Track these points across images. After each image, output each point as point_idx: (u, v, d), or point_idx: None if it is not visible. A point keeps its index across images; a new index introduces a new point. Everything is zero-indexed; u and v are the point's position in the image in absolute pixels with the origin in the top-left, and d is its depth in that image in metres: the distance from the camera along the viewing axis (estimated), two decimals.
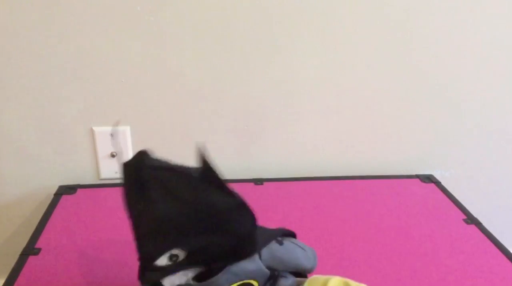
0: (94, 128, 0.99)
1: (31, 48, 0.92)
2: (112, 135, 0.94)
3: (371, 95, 1.03)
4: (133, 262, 0.74)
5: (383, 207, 0.94)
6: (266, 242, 0.57)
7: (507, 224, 1.18)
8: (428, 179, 1.07)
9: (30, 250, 0.77)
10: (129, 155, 1.02)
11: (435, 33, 0.99)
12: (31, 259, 0.75)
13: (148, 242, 0.51)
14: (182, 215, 0.50)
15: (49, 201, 0.93)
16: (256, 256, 0.56)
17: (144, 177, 0.50)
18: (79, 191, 0.97)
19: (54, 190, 0.98)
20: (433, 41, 0.99)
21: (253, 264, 0.55)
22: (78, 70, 0.94)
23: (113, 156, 1.02)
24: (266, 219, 0.87)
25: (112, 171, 1.03)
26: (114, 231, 0.83)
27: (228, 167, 1.06)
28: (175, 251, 0.51)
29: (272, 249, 0.58)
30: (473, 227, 0.88)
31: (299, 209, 0.92)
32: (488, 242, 0.83)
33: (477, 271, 0.76)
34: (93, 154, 1.01)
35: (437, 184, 1.05)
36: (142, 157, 0.51)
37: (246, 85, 1.00)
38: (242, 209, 0.52)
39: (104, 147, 1.01)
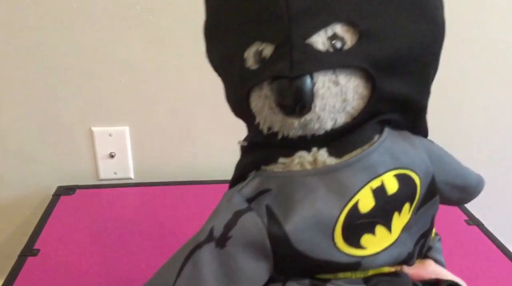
0: (93, 128, 0.99)
1: (29, 48, 0.91)
2: None
3: None
4: (132, 263, 0.74)
5: None
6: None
7: (509, 225, 1.18)
8: None
9: (28, 251, 0.76)
10: (128, 156, 1.02)
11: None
12: (30, 260, 0.74)
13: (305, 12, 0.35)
14: None
15: (47, 202, 0.93)
16: (416, 139, 0.43)
17: None
18: (77, 191, 0.96)
19: (52, 190, 0.98)
20: None
21: (413, 148, 0.42)
22: (77, 70, 0.94)
23: (112, 156, 1.01)
24: None
25: (111, 172, 1.03)
26: (113, 232, 0.82)
27: (227, 167, 1.05)
28: (338, 28, 0.36)
29: (430, 146, 0.45)
30: (474, 228, 0.87)
31: None
32: (490, 243, 0.83)
33: (479, 272, 0.75)
34: (92, 154, 1.01)
35: None
36: None
37: None
38: None
39: (103, 147, 1.00)
